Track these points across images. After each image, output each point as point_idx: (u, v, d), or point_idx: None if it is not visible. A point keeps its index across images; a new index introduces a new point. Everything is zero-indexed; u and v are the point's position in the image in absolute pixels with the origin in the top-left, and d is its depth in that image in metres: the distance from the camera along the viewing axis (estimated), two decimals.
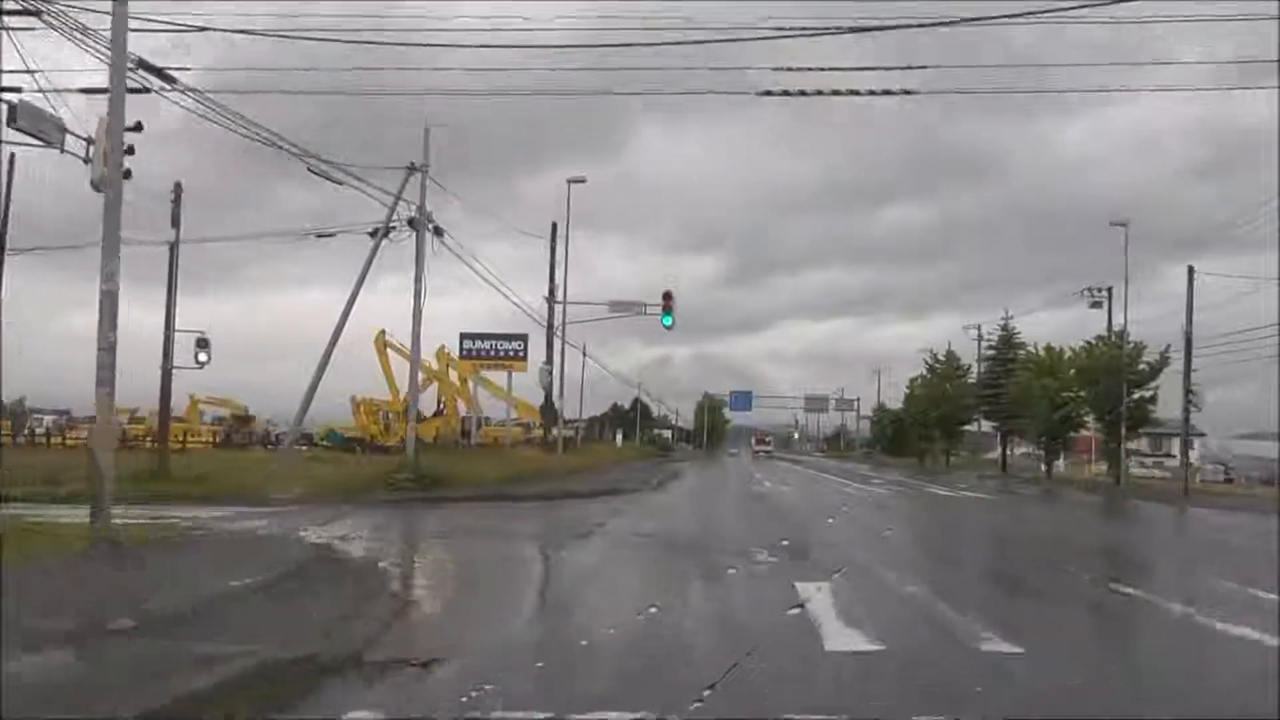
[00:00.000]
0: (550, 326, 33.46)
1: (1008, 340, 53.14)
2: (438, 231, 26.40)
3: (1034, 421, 44.63)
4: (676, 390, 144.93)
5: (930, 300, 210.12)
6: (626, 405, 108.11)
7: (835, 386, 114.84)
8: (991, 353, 53.87)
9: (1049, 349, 45.08)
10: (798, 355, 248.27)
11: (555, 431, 36.14)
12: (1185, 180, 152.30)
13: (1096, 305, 47.64)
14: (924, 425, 72.41)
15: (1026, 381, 45.03)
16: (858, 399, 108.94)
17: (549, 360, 33.91)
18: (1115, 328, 43.42)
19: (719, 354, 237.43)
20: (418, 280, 25.18)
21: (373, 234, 25.60)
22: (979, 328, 70.40)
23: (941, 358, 66.87)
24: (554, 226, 33.47)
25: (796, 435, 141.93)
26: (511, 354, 58.83)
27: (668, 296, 32.08)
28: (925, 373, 68.04)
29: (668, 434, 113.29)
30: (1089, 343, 39.87)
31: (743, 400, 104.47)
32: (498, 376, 56.84)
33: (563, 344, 34.51)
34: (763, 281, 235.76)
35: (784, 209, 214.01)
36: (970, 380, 65.96)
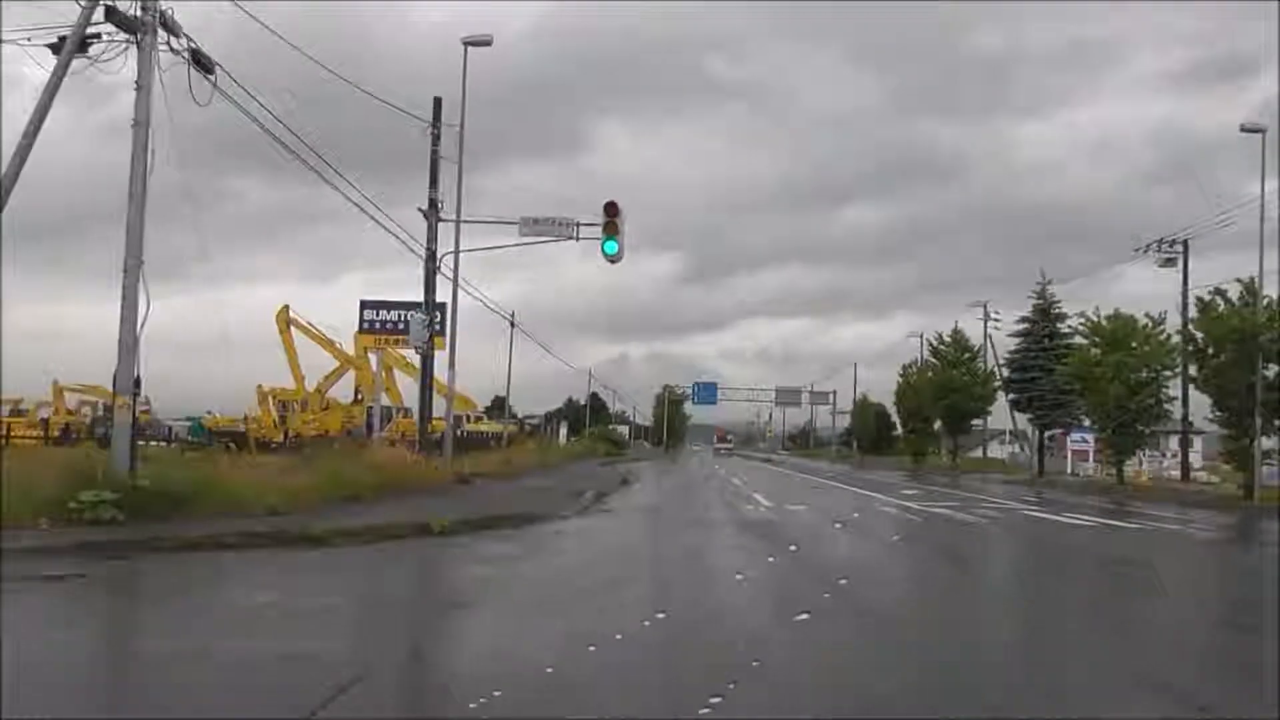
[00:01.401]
0: (431, 256, 21.70)
1: (1045, 312, 42.19)
2: (200, 63, 14.64)
3: (1100, 410, 33.71)
4: (632, 388, 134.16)
5: (889, 300, 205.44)
6: (583, 401, 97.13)
7: (797, 384, 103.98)
8: (1023, 327, 42.89)
9: (1117, 316, 34.20)
10: (755, 354, 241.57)
11: (446, 424, 24.56)
12: (1143, 182, 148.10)
13: (1169, 263, 37.24)
14: (922, 419, 61.85)
15: (1089, 359, 34.09)
16: (834, 391, 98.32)
17: (427, 306, 22.13)
18: (1194, 285, 33.25)
19: (676, 353, 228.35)
20: (138, 126, 13.37)
21: (55, 48, 13.82)
22: (985, 305, 60.19)
23: (947, 339, 56.15)
24: (437, 103, 21.65)
25: (769, 432, 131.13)
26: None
27: (612, 210, 20.53)
28: (929, 357, 57.27)
29: (624, 430, 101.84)
30: (1202, 300, 28.75)
31: (708, 392, 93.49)
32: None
33: (455, 282, 22.88)
34: (721, 281, 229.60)
35: (743, 209, 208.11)
36: (980, 365, 55.43)
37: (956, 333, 56.26)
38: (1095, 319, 34.61)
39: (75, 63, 13.50)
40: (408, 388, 58.15)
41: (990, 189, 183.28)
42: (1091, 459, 54.61)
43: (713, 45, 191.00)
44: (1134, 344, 33.13)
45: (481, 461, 29.98)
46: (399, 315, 46.81)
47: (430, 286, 21.69)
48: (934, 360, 56.88)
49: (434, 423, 56.58)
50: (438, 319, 50.39)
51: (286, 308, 54.29)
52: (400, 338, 46.87)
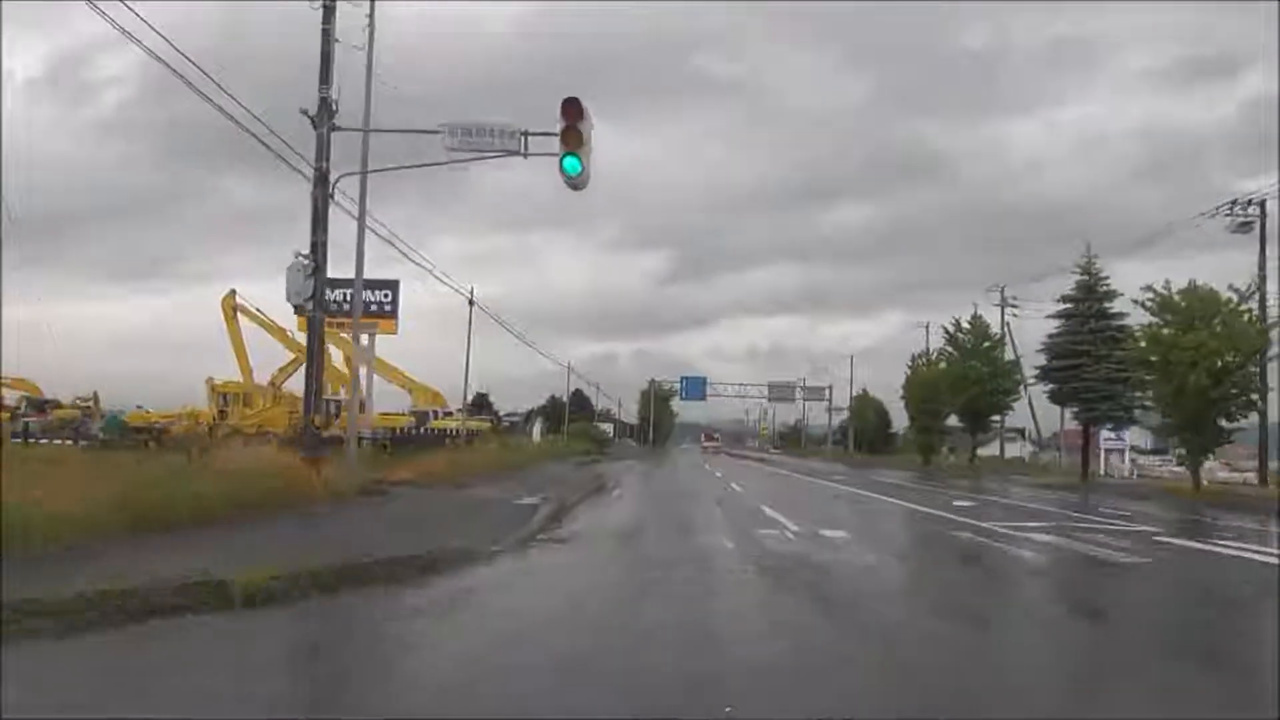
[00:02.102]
0: (323, 178, 15.59)
1: (1091, 289, 36.37)
2: None
3: (1175, 401, 27.93)
4: (619, 387, 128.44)
5: (877, 298, 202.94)
6: (566, 398, 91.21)
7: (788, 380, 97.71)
8: (1065, 308, 37.04)
9: (1193, 288, 28.47)
10: (743, 352, 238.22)
11: (349, 416, 18.69)
12: (1130, 181, 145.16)
13: (1245, 227, 31.74)
14: (932, 415, 56.15)
15: (1162, 338, 28.35)
16: (829, 386, 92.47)
17: (314, 249, 15.89)
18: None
19: (663, 351, 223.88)
20: None
21: None
22: (1002, 290, 54.59)
23: (967, 324, 50.38)
24: None
25: (763, 429, 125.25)
26: (374, 309, 41.44)
27: (572, 111, 14.53)
28: (945, 346, 51.43)
29: (608, 427, 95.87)
30: None
31: (696, 387, 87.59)
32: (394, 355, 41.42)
33: (361, 216, 16.93)
34: (709, 279, 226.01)
35: (732, 207, 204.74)
36: (1001, 354, 49.75)
37: (976, 319, 50.56)
38: (1165, 292, 28.86)
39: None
40: (376, 382, 52.07)
41: (978, 187, 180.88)
42: (1126, 458, 49.13)
43: (702, 44, 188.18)
44: (1216, 321, 27.44)
45: (423, 464, 23.99)
46: (343, 295, 40.89)
47: (320, 219, 15.57)
48: (950, 349, 51.15)
49: (393, 417, 50.66)
50: (388, 300, 43.77)
51: (232, 293, 48.80)
52: (343, 319, 40.91)
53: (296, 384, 50.66)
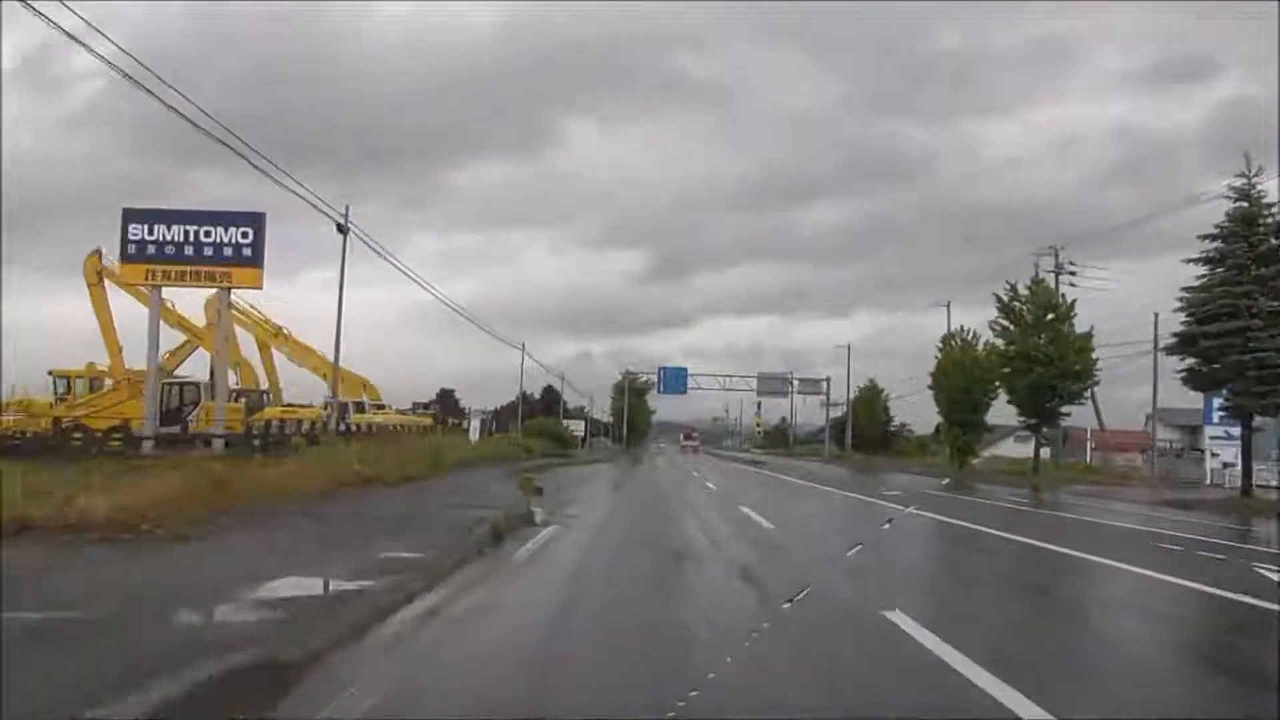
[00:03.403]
0: None
1: (1251, 222, 25.02)
2: None
3: None
4: (596, 386, 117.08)
5: (854, 297, 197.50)
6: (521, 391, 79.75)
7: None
8: (1214, 248, 25.62)
9: None
10: (722, 350, 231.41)
11: None
12: (1106, 181, 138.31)
13: None
14: (972, 408, 45.17)
15: None
16: (828, 378, 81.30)
17: None
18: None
19: (640, 349, 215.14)
20: None
21: None
22: (1057, 253, 43.40)
23: (1025, 289, 39.18)
24: None
25: (757, 423, 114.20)
26: (230, 257, 29.78)
27: None
28: (999, 318, 39.96)
29: (577, 426, 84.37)
30: None
31: (676, 379, 76.15)
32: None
33: None
34: (687, 278, 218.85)
35: (708, 206, 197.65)
36: (1069, 328, 38.62)
37: (1038, 283, 39.41)
38: None
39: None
40: (287, 370, 41.35)
41: (955, 187, 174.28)
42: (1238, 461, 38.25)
43: (680, 44, 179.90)
44: None
45: (200, 481, 12.46)
46: (186, 235, 29.01)
47: None
48: (1005, 323, 39.92)
49: (296, 409, 39.47)
50: (246, 241, 32.84)
51: (98, 253, 37.86)
52: (184, 266, 29.20)
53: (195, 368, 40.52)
